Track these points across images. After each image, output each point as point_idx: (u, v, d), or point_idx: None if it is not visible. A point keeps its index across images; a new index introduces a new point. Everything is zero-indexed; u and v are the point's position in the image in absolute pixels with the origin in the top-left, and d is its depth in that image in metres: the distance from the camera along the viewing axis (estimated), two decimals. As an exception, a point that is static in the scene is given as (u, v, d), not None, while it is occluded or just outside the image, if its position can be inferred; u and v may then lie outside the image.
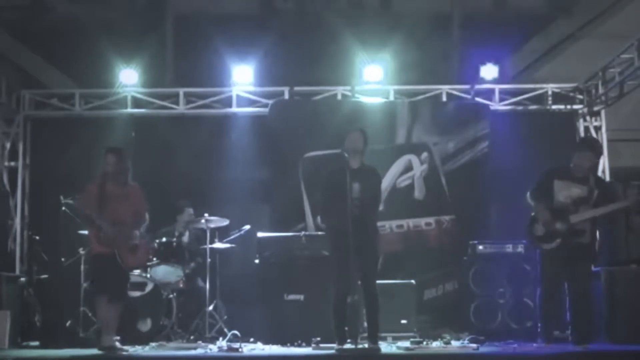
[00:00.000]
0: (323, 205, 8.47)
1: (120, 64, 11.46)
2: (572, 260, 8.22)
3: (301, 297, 9.21)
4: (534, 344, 8.49)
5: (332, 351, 7.96)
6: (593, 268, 9.41)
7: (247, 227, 10.13)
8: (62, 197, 9.35)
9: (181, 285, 9.85)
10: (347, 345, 7.93)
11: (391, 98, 11.72)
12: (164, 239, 10.00)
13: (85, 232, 9.38)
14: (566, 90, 11.83)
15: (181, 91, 11.73)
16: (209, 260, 9.69)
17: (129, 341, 8.95)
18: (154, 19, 12.40)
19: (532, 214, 8.52)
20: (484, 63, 11.45)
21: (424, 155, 11.26)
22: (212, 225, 9.83)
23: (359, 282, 7.96)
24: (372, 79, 11.56)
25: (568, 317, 8.37)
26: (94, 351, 8.23)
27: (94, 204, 8.18)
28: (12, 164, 11.61)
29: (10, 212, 11.34)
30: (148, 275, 9.63)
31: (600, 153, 8.68)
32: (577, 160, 8.36)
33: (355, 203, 7.83)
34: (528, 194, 8.53)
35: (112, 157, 8.34)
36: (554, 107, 11.83)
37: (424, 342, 8.67)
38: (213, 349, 8.46)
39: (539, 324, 8.54)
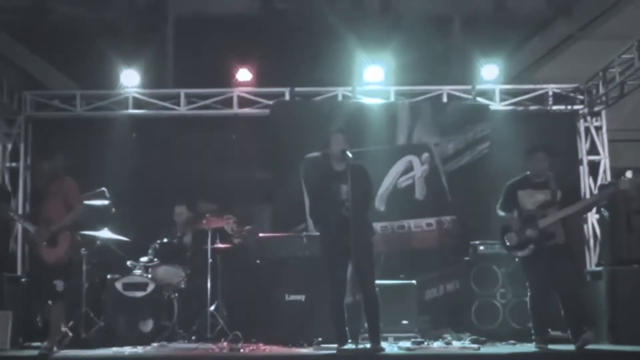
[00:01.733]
0: (312, 210, 8.52)
1: (121, 64, 11.48)
2: (552, 262, 8.24)
3: (302, 297, 9.24)
4: (532, 345, 8.51)
5: (333, 351, 7.98)
6: (595, 268, 9.45)
7: (248, 227, 10.16)
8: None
9: (182, 286, 9.85)
10: (348, 346, 7.96)
11: (392, 99, 11.72)
12: (165, 240, 10.02)
13: (87, 232, 9.44)
14: (567, 91, 11.84)
15: (182, 92, 11.74)
16: (210, 260, 9.72)
17: (130, 342, 9.00)
18: (155, 19, 12.40)
19: (502, 225, 8.60)
20: (484, 63, 11.49)
21: (425, 155, 11.26)
22: (213, 226, 9.85)
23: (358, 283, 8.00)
24: (373, 79, 11.59)
25: (564, 317, 8.39)
26: (96, 352, 8.25)
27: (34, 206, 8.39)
28: (14, 164, 11.62)
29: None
30: (149, 276, 9.65)
31: (553, 152, 8.67)
32: (533, 164, 8.47)
33: (345, 205, 7.84)
34: (497, 210, 8.67)
35: (39, 160, 8.56)
36: (554, 107, 11.83)
37: (425, 343, 8.71)
38: (214, 349, 8.47)
39: (532, 327, 8.56)
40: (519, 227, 8.40)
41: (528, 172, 8.53)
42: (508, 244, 8.51)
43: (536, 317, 8.46)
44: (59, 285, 8.16)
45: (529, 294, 8.52)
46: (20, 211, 11.35)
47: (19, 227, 11.24)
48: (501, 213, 8.63)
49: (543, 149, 8.53)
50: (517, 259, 8.62)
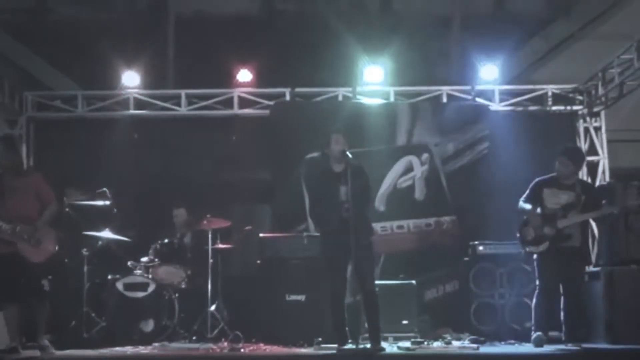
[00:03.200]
0: (312, 211, 8.56)
1: (122, 65, 11.51)
2: (564, 262, 8.39)
3: (302, 297, 9.26)
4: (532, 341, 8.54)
5: (334, 351, 8.01)
6: (592, 268, 9.47)
7: (249, 227, 10.19)
8: (65, 199, 9.43)
9: (183, 286, 9.89)
10: (348, 346, 7.99)
11: (392, 99, 11.74)
12: (165, 240, 10.05)
13: (92, 233, 9.44)
14: (566, 91, 11.86)
15: (183, 92, 11.76)
16: (210, 260, 9.75)
17: (131, 342, 9.04)
18: (156, 20, 12.44)
19: (524, 217, 8.68)
20: (484, 64, 11.51)
21: (425, 156, 11.28)
22: (213, 226, 9.89)
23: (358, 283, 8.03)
24: (373, 80, 11.60)
25: (562, 316, 8.47)
26: (97, 352, 8.28)
27: None
28: (15, 165, 11.63)
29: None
30: (150, 276, 9.69)
31: (580, 164, 8.81)
32: (557, 166, 8.63)
33: (344, 206, 7.88)
34: (520, 202, 8.74)
35: (2, 146, 8.09)
36: (553, 107, 11.85)
37: (425, 343, 8.72)
38: (215, 349, 8.50)
39: (532, 324, 8.60)
40: (538, 224, 8.49)
41: (555, 172, 8.66)
42: (524, 237, 8.62)
43: (539, 315, 8.52)
44: (46, 284, 8.07)
45: (536, 291, 8.60)
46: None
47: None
48: (524, 206, 8.66)
49: (566, 154, 8.66)
50: (534, 256, 8.66)
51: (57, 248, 8.19)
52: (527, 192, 8.76)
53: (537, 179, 8.78)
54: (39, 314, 8.12)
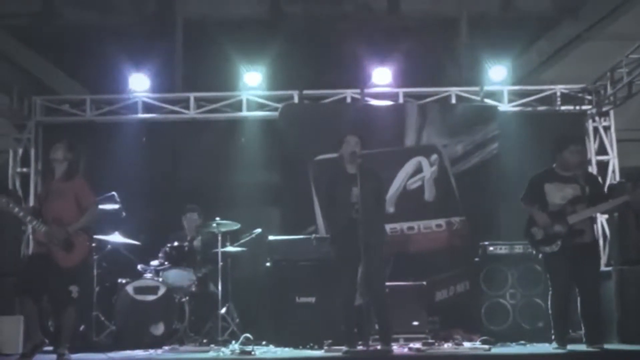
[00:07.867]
0: (325, 213, 8.57)
1: (131, 69, 11.54)
2: (577, 260, 8.09)
3: (312, 299, 9.26)
4: (550, 346, 8.44)
5: (344, 353, 8.00)
6: (604, 268, 9.41)
7: (258, 230, 10.18)
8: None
9: (193, 289, 9.89)
10: (359, 348, 7.98)
11: (400, 100, 11.74)
12: (175, 243, 10.06)
13: (98, 236, 9.44)
14: (575, 91, 11.84)
15: (191, 96, 11.78)
16: (220, 263, 9.75)
17: (141, 345, 9.05)
18: (164, 24, 12.44)
19: (529, 217, 8.40)
20: (492, 65, 11.49)
21: (434, 157, 11.27)
22: (223, 229, 9.89)
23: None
24: (381, 81, 11.60)
25: (581, 318, 8.28)
26: (107, 355, 8.28)
27: (36, 201, 8.06)
28: (24, 169, 11.66)
29: (23, 219, 11.38)
30: (160, 279, 9.69)
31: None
32: (569, 157, 8.23)
33: (355, 208, 7.87)
34: (521, 199, 8.46)
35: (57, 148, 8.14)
36: (562, 108, 11.84)
37: (436, 344, 8.71)
38: (225, 352, 8.48)
39: (552, 327, 8.44)
40: (546, 223, 8.20)
41: (554, 165, 8.35)
42: (534, 238, 8.33)
43: (557, 317, 8.27)
44: (74, 290, 7.87)
45: (550, 292, 8.35)
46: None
47: (30, 232, 11.25)
48: (525, 206, 8.38)
49: (580, 142, 8.35)
50: (540, 256, 8.44)
51: (87, 255, 8.19)
52: (526, 190, 8.42)
53: (533, 175, 8.45)
54: (63, 319, 8.01)
